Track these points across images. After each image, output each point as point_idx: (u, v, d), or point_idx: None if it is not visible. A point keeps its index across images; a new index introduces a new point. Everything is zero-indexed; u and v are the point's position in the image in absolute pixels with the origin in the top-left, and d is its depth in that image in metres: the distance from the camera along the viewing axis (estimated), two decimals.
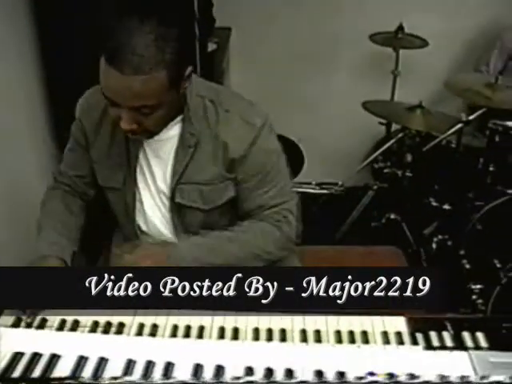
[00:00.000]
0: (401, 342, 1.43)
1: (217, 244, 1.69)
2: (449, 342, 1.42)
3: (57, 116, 2.60)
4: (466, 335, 1.44)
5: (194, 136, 1.64)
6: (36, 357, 1.36)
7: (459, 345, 1.41)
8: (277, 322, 1.50)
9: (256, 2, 3.43)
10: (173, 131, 1.65)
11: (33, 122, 2.51)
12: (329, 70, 3.63)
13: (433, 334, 1.45)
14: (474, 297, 2.73)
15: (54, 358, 1.35)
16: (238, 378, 1.29)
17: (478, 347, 1.40)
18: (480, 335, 1.44)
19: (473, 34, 3.61)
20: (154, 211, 1.78)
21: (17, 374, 1.32)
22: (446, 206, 3.13)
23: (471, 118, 2.91)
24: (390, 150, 3.39)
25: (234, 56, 3.49)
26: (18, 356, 1.36)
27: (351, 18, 3.50)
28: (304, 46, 3.58)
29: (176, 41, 1.40)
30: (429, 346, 1.41)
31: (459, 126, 2.91)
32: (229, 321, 1.50)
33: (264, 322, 1.50)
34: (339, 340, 1.44)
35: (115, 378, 1.30)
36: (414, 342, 1.43)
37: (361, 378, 1.29)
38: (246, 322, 1.49)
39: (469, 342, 1.42)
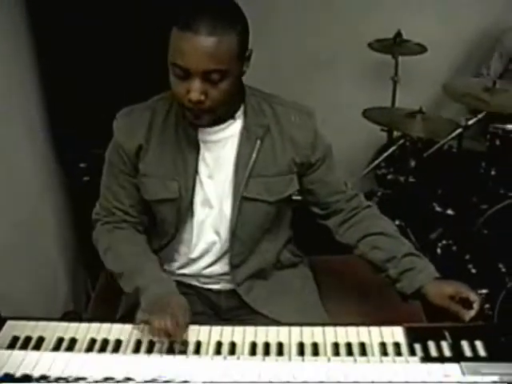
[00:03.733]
0: (399, 353, 1.42)
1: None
2: (447, 352, 1.41)
3: (59, 139, 2.60)
4: (464, 344, 1.43)
5: (262, 127, 1.67)
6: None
7: (457, 355, 1.40)
8: (274, 334, 1.50)
9: (253, 13, 3.43)
10: (231, 130, 1.66)
11: (32, 137, 2.49)
12: (329, 78, 3.62)
13: (431, 344, 1.44)
14: None
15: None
16: None
17: (475, 357, 1.39)
18: (479, 344, 1.43)
19: (471, 39, 3.59)
20: (208, 217, 1.73)
21: None
22: (450, 211, 3.11)
23: (471, 122, 2.90)
24: (393, 156, 3.38)
25: None
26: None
27: (349, 26, 3.48)
28: (303, 56, 3.57)
29: (243, 16, 1.53)
30: (426, 357, 1.40)
31: (459, 130, 2.90)
32: (226, 335, 1.50)
33: (261, 335, 1.50)
34: (337, 352, 1.43)
35: None
36: (412, 353, 1.42)
37: None
38: (243, 336, 1.50)
39: (467, 352, 1.41)
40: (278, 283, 1.84)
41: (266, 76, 3.41)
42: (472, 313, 1.54)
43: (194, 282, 1.85)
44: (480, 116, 2.92)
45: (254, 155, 1.66)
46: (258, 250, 1.79)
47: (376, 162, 3.41)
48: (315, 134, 1.72)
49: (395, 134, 3.42)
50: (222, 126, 1.64)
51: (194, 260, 1.79)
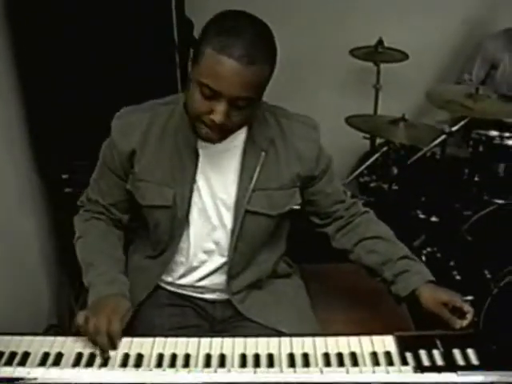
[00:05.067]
0: (390, 362, 1.41)
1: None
2: (439, 361, 1.41)
3: (40, 145, 2.56)
4: (456, 353, 1.43)
5: (267, 139, 1.66)
6: None
7: (449, 363, 1.39)
8: (264, 346, 1.48)
9: None
10: (235, 142, 1.64)
11: (14, 157, 2.45)
12: (311, 86, 3.61)
13: (423, 353, 1.43)
14: None
15: None
16: None
17: (468, 366, 1.38)
18: (471, 352, 1.43)
19: (453, 45, 3.61)
20: (204, 226, 1.72)
21: None
22: (434, 218, 3.11)
23: (454, 129, 2.90)
24: (375, 164, 3.38)
25: None
26: None
27: (331, 33, 3.49)
28: (284, 63, 3.55)
29: (275, 42, 1.52)
30: (419, 366, 1.39)
31: (443, 137, 2.91)
32: (215, 347, 1.48)
33: (251, 346, 1.48)
34: (328, 363, 1.42)
35: None
36: (404, 362, 1.41)
37: None
38: (233, 348, 1.48)
39: (459, 361, 1.40)
40: (272, 293, 1.83)
41: None
42: (464, 323, 1.54)
43: (191, 293, 1.83)
44: (463, 122, 2.93)
45: (259, 168, 1.65)
46: (255, 261, 1.78)
47: (359, 169, 3.40)
48: (320, 146, 1.72)
49: (378, 141, 3.43)
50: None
51: (192, 270, 1.77)
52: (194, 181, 1.66)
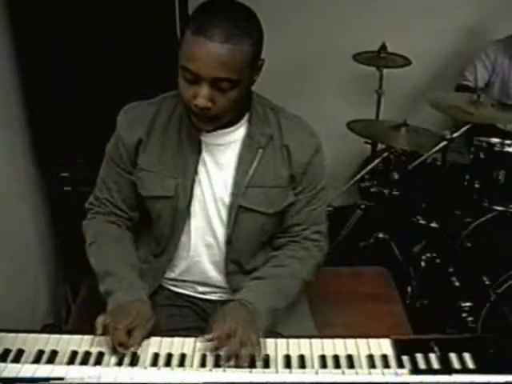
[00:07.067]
0: (387, 365, 1.40)
1: (283, 285, 1.67)
2: (435, 364, 1.40)
3: (40, 143, 2.56)
4: (452, 356, 1.42)
5: (265, 136, 1.65)
6: None
7: (445, 367, 1.39)
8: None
9: None
10: (235, 136, 1.64)
11: (14, 151, 2.45)
12: (313, 90, 3.61)
13: (419, 356, 1.42)
14: (463, 315, 2.71)
15: None
16: None
17: (464, 369, 1.38)
18: (467, 356, 1.42)
19: (455, 51, 3.62)
20: (203, 220, 1.71)
21: None
22: (434, 224, 3.11)
23: (455, 135, 2.90)
24: (376, 169, 3.38)
25: None
26: None
27: (334, 38, 3.49)
28: (287, 67, 3.56)
29: (259, 25, 1.51)
30: (415, 370, 1.39)
31: (444, 143, 2.90)
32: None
33: None
34: (324, 365, 1.41)
35: None
36: (400, 365, 1.40)
37: None
38: None
39: (456, 364, 1.39)
40: None
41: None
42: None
43: (192, 293, 1.82)
44: (465, 128, 2.93)
45: (255, 164, 1.64)
46: (253, 261, 1.77)
47: (360, 174, 3.39)
48: (312, 157, 1.68)
49: (379, 146, 3.42)
50: (226, 130, 1.63)
51: (194, 264, 1.76)
52: (195, 173, 1.66)
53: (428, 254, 3.06)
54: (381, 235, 3.27)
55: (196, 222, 1.71)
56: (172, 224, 1.71)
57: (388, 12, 3.42)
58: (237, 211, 1.66)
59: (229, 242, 1.70)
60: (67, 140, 2.44)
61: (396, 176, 3.25)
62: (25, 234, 2.51)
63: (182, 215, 1.69)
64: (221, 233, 1.71)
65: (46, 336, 1.51)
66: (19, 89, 2.44)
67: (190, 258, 1.75)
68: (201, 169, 1.66)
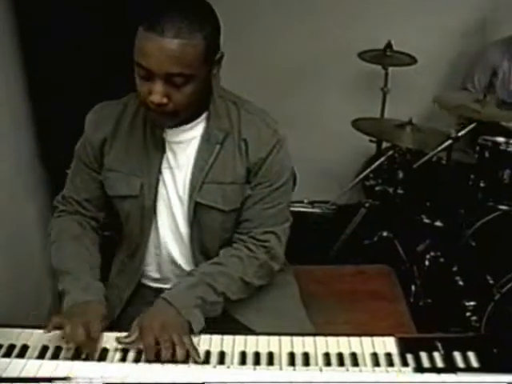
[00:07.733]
0: (391, 363, 1.40)
1: (214, 280, 1.62)
2: (439, 363, 1.40)
3: (44, 138, 2.57)
4: (456, 355, 1.42)
5: (222, 131, 1.63)
6: None
7: (450, 366, 1.38)
8: (264, 344, 1.48)
9: (243, 22, 3.43)
10: (194, 132, 1.64)
11: (18, 145, 2.46)
12: (318, 88, 3.61)
13: (423, 355, 1.42)
14: (467, 314, 2.70)
15: None
16: None
17: (468, 368, 1.37)
18: (471, 355, 1.42)
19: (461, 50, 3.61)
20: (168, 217, 1.72)
21: None
22: (438, 223, 3.10)
23: (461, 134, 2.90)
24: (381, 168, 3.38)
25: (222, 74, 3.47)
26: None
27: (339, 36, 3.48)
28: (293, 65, 3.56)
29: (213, 18, 1.49)
30: (419, 368, 1.38)
31: (449, 142, 2.90)
32: (215, 344, 1.48)
33: (251, 344, 1.47)
34: (328, 363, 1.41)
35: None
36: (404, 364, 1.40)
37: None
38: (233, 345, 1.47)
39: (460, 363, 1.39)
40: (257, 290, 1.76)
41: (253, 86, 3.40)
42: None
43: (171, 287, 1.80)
44: (470, 127, 2.93)
45: (212, 160, 1.64)
46: None
47: (364, 172, 3.40)
48: (270, 153, 1.64)
49: (384, 144, 3.42)
50: (187, 126, 1.62)
51: (166, 261, 1.78)
52: (159, 172, 1.67)
53: (432, 253, 3.06)
54: (385, 234, 3.27)
55: (162, 221, 1.73)
56: (141, 222, 1.72)
57: (394, 10, 3.41)
58: (195, 208, 1.66)
59: (192, 239, 1.71)
60: (71, 137, 2.44)
61: (401, 175, 3.25)
62: (29, 228, 2.52)
63: (148, 214, 1.71)
64: (184, 230, 1.72)
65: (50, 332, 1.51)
66: (24, 85, 2.46)
67: (162, 254, 1.77)
68: (165, 167, 1.67)
